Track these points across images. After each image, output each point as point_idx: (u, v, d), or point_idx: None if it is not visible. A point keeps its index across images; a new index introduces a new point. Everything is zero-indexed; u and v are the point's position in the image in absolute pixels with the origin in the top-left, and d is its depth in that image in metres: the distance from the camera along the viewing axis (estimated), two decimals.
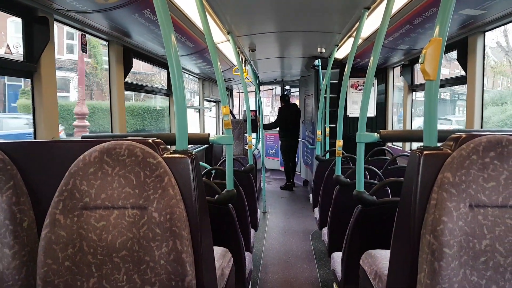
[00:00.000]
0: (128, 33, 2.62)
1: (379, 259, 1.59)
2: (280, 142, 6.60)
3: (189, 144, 1.33)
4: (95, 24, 2.36)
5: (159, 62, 3.62)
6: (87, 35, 2.56)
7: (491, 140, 1.04)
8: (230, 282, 1.71)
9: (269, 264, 3.41)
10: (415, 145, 1.25)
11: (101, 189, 1.07)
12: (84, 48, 2.61)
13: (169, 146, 1.26)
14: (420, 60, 1.17)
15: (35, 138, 2.03)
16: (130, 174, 1.07)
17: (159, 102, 12.75)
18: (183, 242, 1.04)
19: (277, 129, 6.57)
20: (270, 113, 14.76)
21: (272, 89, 9.77)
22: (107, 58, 2.87)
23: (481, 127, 2.72)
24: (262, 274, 3.19)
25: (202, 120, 5.83)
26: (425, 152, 1.11)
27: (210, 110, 6.92)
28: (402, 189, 1.22)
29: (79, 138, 1.52)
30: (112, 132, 2.88)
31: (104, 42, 2.81)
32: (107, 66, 2.95)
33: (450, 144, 1.13)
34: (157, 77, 13.40)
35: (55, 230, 1.04)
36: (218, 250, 1.71)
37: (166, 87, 4.05)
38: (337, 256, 2.32)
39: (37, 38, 1.98)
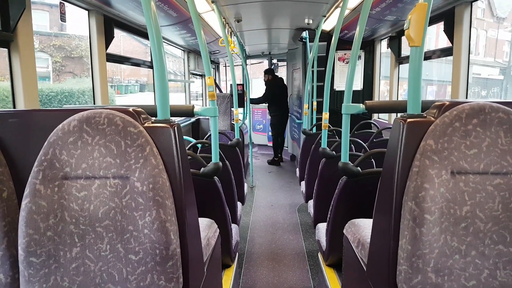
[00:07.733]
0: (108, 1, 2.51)
1: (362, 227, 1.63)
2: (270, 117, 6.56)
3: (172, 116, 1.30)
4: None
5: (142, 32, 3.50)
6: (65, 3, 2.44)
7: (474, 107, 1.04)
8: (216, 252, 1.73)
9: (256, 236, 3.48)
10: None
11: (81, 158, 1.04)
12: (63, 17, 2.49)
13: (153, 119, 1.23)
14: (405, 26, 1.16)
15: (14, 108, 1.98)
16: (111, 143, 1.04)
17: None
18: (166, 211, 1.03)
19: (266, 104, 6.52)
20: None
21: (259, 62, 9.46)
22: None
23: (466, 98, 2.76)
24: (249, 245, 3.25)
25: (188, 94, 5.74)
26: (408, 120, 1.11)
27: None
28: (385, 157, 1.23)
29: (59, 107, 1.48)
30: (94, 104, 2.81)
31: None
32: None
33: (433, 112, 1.12)
34: None
35: (36, 200, 1.02)
36: (203, 221, 1.72)
37: (150, 60, 3.95)
38: (322, 227, 2.36)
39: (12, 5, 1.89)
